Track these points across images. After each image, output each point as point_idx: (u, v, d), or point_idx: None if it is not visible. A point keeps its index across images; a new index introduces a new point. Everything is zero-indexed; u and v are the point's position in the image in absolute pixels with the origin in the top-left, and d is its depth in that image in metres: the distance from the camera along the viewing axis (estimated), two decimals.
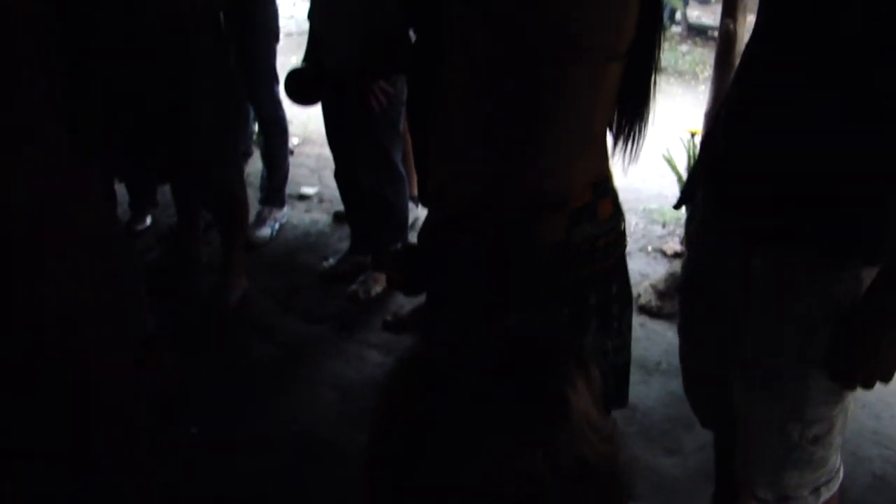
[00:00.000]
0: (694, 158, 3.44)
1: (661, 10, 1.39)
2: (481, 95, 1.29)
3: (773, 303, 1.47)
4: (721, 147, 1.55)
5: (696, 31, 8.57)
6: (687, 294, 1.79)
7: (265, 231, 3.71)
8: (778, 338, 1.47)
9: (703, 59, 7.38)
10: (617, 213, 1.36)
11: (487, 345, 0.80)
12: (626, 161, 1.41)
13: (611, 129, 1.41)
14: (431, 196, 1.48)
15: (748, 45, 1.54)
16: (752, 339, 1.52)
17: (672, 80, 6.86)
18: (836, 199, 1.36)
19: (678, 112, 5.24)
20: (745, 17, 3.48)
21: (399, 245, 3.07)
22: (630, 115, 1.39)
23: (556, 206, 1.28)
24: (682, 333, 1.81)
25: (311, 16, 3.01)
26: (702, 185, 1.69)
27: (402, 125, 3.03)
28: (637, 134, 1.40)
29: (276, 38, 3.64)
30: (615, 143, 1.40)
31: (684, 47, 8.11)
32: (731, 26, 3.49)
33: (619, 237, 1.38)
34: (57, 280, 1.26)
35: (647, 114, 1.40)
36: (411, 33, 2.55)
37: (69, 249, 1.28)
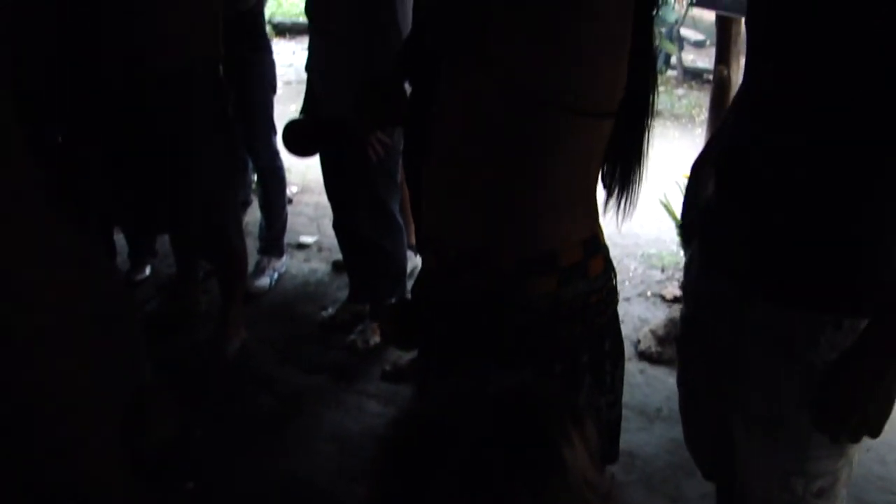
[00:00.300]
0: None
1: (654, 69, 1.40)
2: (471, 150, 1.29)
3: (772, 354, 1.46)
4: (713, 198, 1.56)
5: (692, 75, 8.64)
6: (685, 344, 1.78)
7: (264, 281, 3.71)
8: (777, 389, 1.46)
9: (699, 102, 7.42)
10: (608, 270, 1.36)
11: (483, 403, 0.80)
12: (620, 217, 1.42)
13: (603, 185, 1.41)
14: (422, 248, 1.48)
15: (737, 94, 1.56)
16: (752, 391, 1.51)
17: (668, 123, 6.90)
18: (834, 253, 1.36)
19: (675, 155, 5.26)
20: (738, 63, 3.52)
21: (394, 299, 3.08)
22: (623, 172, 1.39)
23: (547, 263, 1.28)
24: (682, 384, 1.80)
25: (308, 68, 3.05)
26: (696, 235, 1.69)
27: (400, 175, 3.05)
28: (630, 191, 1.40)
29: (274, 90, 3.68)
30: (608, 199, 1.41)
31: (680, 91, 8.17)
32: (725, 72, 3.52)
33: (611, 293, 1.38)
34: (49, 348, 1.26)
35: (641, 171, 1.40)
36: (407, 86, 2.57)
37: (60, 314, 1.28)
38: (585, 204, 1.34)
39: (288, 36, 9.75)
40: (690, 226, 1.75)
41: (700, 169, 1.71)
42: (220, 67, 2.89)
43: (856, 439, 1.40)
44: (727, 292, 1.52)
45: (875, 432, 1.38)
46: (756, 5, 1.47)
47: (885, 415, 1.36)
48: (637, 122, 1.38)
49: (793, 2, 1.35)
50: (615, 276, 1.39)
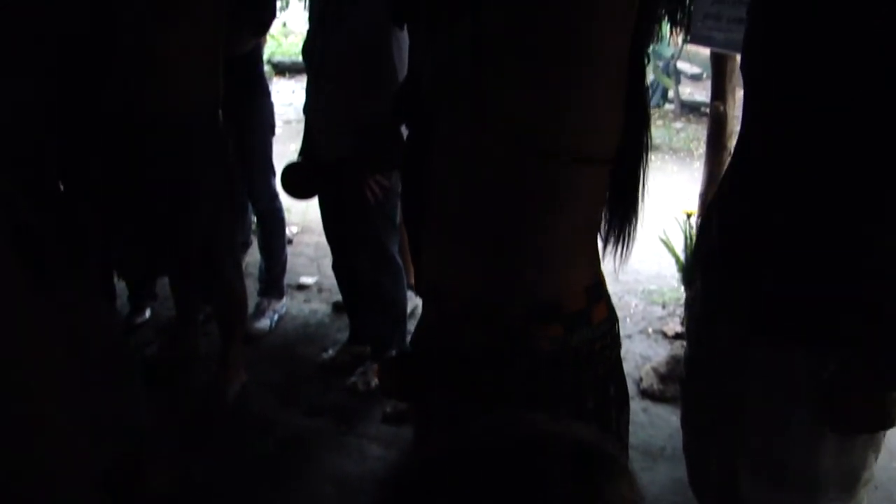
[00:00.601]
0: (691, 240, 3.45)
1: (647, 109, 1.41)
2: (470, 200, 1.29)
3: (775, 395, 1.45)
4: (715, 240, 1.56)
5: (690, 108, 8.70)
6: (689, 385, 1.77)
7: (264, 323, 3.70)
8: (781, 432, 1.45)
9: (697, 135, 7.46)
10: (611, 315, 1.35)
11: (501, 440, 0.77)
12: (617, 262, 1.41)
13: (600, 231, 1.41)
14: (424, 298, 1.48)
15: (739, 137, 1.56)
16: (756, 434, 1.50)
17: (667, 157, 6.94)
18: (835, 294, 1.36)
19: (674, 190, 5.29)
20: (734, 99, 3.53)
21: (394, 351, 3.07)
22: (620, 215, 1.39)
23: (551, 312, 1.27)
24: (686, 425, 1.79)
25: (306, 110, 3.06)
26: (699, 275, 1.69)
27: (399, 217, 3.05)
28: (628, 233, 1.40)
29: (272, 132, 3.70)
30: (605, 245, 1.40)
31: (678, 124, 8.22)
32: (721, 108, 3.53)
33: (615, 339, 1.37)
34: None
35: (637, 213, 1.40)
36: (404, 128, 2.59)
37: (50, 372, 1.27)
38: (587, 249, 1.33)
39: (287, 75, 9.85)
40: (693, 267, 1.75)
41: (708, 216, 1.71)
42: (220, 111, 2.91)
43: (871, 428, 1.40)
44: (729, 334, 1.52)
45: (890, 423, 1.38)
46: (752, 55, 1.48)
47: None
48: (633, 164, 1.38)
49: (788, 53, 1.36)
50: (618, 322, 1.38)
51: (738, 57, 2.72)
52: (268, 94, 3.68)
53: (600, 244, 1.38)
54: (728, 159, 3.05)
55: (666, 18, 3.63)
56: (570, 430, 0.80)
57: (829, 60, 1.31)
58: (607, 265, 1.42)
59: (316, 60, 2.85)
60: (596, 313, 1.31)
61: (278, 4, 4.18)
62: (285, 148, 5.06)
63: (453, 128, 1.32)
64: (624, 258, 1.41)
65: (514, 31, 1.20)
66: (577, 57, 1.18)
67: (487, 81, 1.22)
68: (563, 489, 0.71)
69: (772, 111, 1.44)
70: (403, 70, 2.74)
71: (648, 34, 1.40)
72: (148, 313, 3.81)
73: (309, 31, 3.01)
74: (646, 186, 1.38)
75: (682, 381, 1.84)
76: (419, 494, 0.75)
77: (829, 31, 1.30)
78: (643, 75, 1.35)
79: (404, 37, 2.77)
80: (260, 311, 3.72)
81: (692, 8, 3.36)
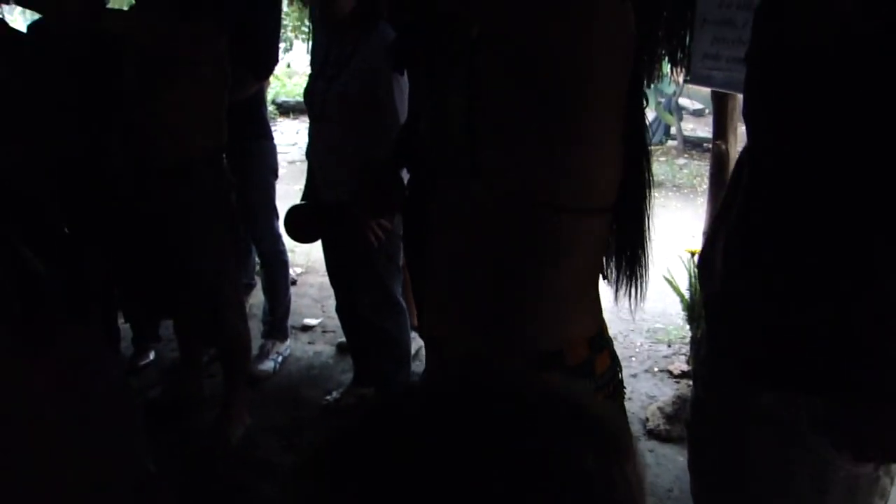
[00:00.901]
0: (695, 279, 3.44)
1: (647, 152, 1.41)
2: (469, 254, 1.29)
3: (778, 443, 1.43)
4: (719, 284, 1.55)
5: (692, 144, 8.73)
6: (695, 429, 1.75)
7: (268, 365, 3.69)
8: (786, 481, 1.43)
9: (700, 171, 7.48)
10: (614, 364, 1.34)
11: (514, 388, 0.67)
12: (633, 305, 1.40)
13: (609, 275, 1.40)
14: (427, 348, 1.47)
15: (744, 179, 1.55)
16: (761, 482, 1.48)
17: (670, 193, 6.95)
18: (843, 341, 1.35)
19: (678, 227, 5.29)
20: (736, 136, 3.54)
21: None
22: (628, 260, 1.38)
23: (554, 364, 1.26)
24: (693, 470, 1.77)
25: (308, 154, 3.08)
26: (705, 318, 1.67)
27: (401, 258, 3.05)
28: (638, 278, 1.39)
29: (276, 175, 3.72)
30: (617, 289, 1.39)
31: (681, 160, 8.25)
32: (723, 147, 3.54)
33: (618, 387, 1.36)
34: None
35: (646, 256, 1.39)
36: (405, 172, 2.60)
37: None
38: (589, 299, 1.33)
39: (291, 115, 9.93)
40: (697, 307, 1.74)
41: (708, 257, 1.70)
42: (224, 156, 2.92)
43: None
44: (733, 379, 1.50)
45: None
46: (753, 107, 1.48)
47: None
48: (636, 204, 1.37)
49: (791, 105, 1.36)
50: (621, 370, 1.37)
51: (740, 96, 2.72)
52: (270, 137, 3.70)
53: (611, 288, 1.37)
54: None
55: (666, 58, 3.65)
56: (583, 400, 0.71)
57: (827, 116, 1.31)
58: (613, 303, 1.40)
59: (317, 104, 2.87)
60: (599, 364, 1.30)
61: (282, 46, 4.21)
62: (289, 188, 5.07)
63: (450, 178, 1.32)
64: (638, 300, 1.40)
65: (509, 87, 1.20)
66: (573, 112, 1.17)
67: (482, 135, 1.22)
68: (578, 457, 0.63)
69: (772, 159, 1.44)
70: (404, 114, 2.76)
71: (647, 74, 1.41)
72: (152, 355, 3.80)
73: (311, 75, 3.04)
74: (651, 225, 1.37)
75: (687, 424, 1.82)
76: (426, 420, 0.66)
77: (826, 87, 1.31)
78: (641, 118, 1.35)
79: (405, 80, 2.79)
80: (264, 353, 3.71)
81: (692, 48, 3.37)
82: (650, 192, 1.38)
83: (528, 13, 1.13)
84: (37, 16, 3.17)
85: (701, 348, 1.68)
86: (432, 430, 0.62)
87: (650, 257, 1.42)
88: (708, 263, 1.67)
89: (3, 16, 3.25)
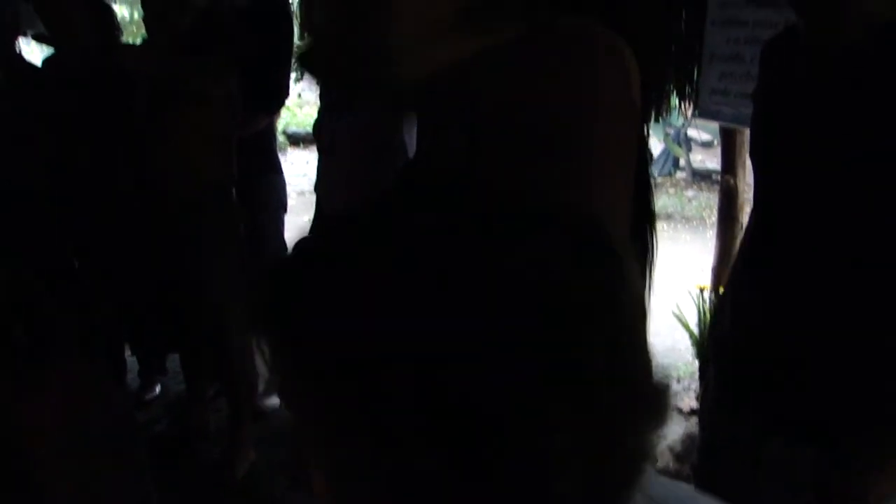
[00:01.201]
0: (704, 314, 3.41)
1: (650, 191, 1.39)
2: None
3: (786, 493, 1.41)
4: (728, 330, 1.53)
5: (701, 176, 8.71)
6: (701, 473, 1.73)
7: (274, 400, 3.66)
8: None
9: (709, 203, 7.45)
10: None
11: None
12: None
13: None
14: None
15: (750, 218, 1.54)
16: None
17: (679, 226, 6.93)
18: (852, 390, 1.33)
19: (687, 260, 5.26)
20: (744, 170, 3.53)
21: None
22: None
23: None
24: None
25: (316, 188, 3.08)
26: (713, 359, 1.66)
27: None
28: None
29: (285, 209, 3.72)
30: None
31: (690, 192, 8.23)
32: (732, 181, 3.53)
33: None
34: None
35: (650, 290, 1.38)
36: None
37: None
38: None
39: (302, 145, 9.94)
40: (709, 347, 1.73)
41: (723, 299, 1.69)
42: (233, 190, 2.93)
43: None
44: (745, 427, 1.48)
45: None
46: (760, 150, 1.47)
47: None
48: (640, 246, 1.36)
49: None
50: None
51: (748, 131, 2.73)
52: (280, 171, 3.70)
53: None
54: (740, 233, 3.04)
55: (674, 93, 3.65)
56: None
57: (833, 153, 1.30)
58: None
59: (326, 139, 2.88)
60: None
61: (292, 76, 4.23)
62: (298, 219, 5.07)
63: None
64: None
65: (509, 147, 1.19)
66: (577, 168, 1.16)
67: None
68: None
69: (781, 199, 1.43)
70: (412, 148, 2.76)
71: (655, 109, 1.40)
72: (158, 389, 3.79)
73: (320, 110, 3.05)
74: (656, 260, 1.35)
75: (693, 469, 1.80)
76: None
77: (831, 125, 1.30)
78: (645, 151, 1.34)
79: (413, 116, 2.80)
80: (270, 388, 3.69)
81: (700, 83, 3.38)
82: (654, 225, 1.36)
83: (531, 90, 1.12)
84: (51, 50, 3.20)
85: (710, 392, 1.66)
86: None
87: (652, 290, 1.40)
88: (722, 306, 1.66)
89: (20, 50, 3.27)
